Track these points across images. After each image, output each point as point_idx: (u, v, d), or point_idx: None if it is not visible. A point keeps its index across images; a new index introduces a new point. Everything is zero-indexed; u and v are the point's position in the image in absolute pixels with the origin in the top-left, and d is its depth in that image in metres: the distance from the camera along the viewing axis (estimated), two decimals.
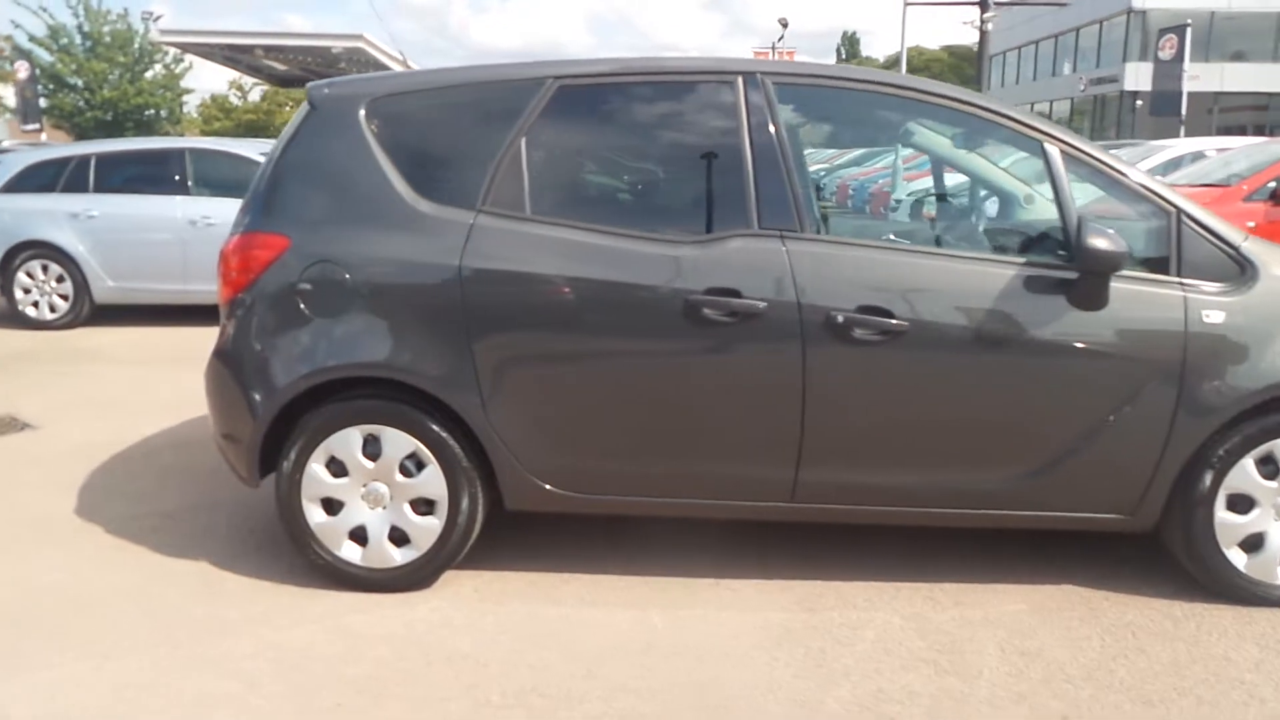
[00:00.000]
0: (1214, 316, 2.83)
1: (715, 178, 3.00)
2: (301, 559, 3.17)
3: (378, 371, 2.96)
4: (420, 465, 3.02)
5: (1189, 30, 22.30)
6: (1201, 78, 25.79)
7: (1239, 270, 2.87)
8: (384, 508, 3.06)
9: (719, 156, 2.99)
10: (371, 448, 3.02)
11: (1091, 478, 2.93)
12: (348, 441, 3.01)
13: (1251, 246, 2.90)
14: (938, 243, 3.28)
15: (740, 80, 2.97)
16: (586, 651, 2.76)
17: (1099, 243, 2.70)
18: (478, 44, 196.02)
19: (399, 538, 3.07)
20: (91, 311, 7.75)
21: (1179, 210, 2.89)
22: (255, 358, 3.04)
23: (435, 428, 2.97)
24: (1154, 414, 2.85)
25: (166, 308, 7.95)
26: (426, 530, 3.05)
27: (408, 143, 3.04)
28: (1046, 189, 2.95)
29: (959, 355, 2.85)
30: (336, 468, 3.05)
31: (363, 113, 3.05)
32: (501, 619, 2.94)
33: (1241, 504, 2.94)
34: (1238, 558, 2.97)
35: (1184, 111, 22.33)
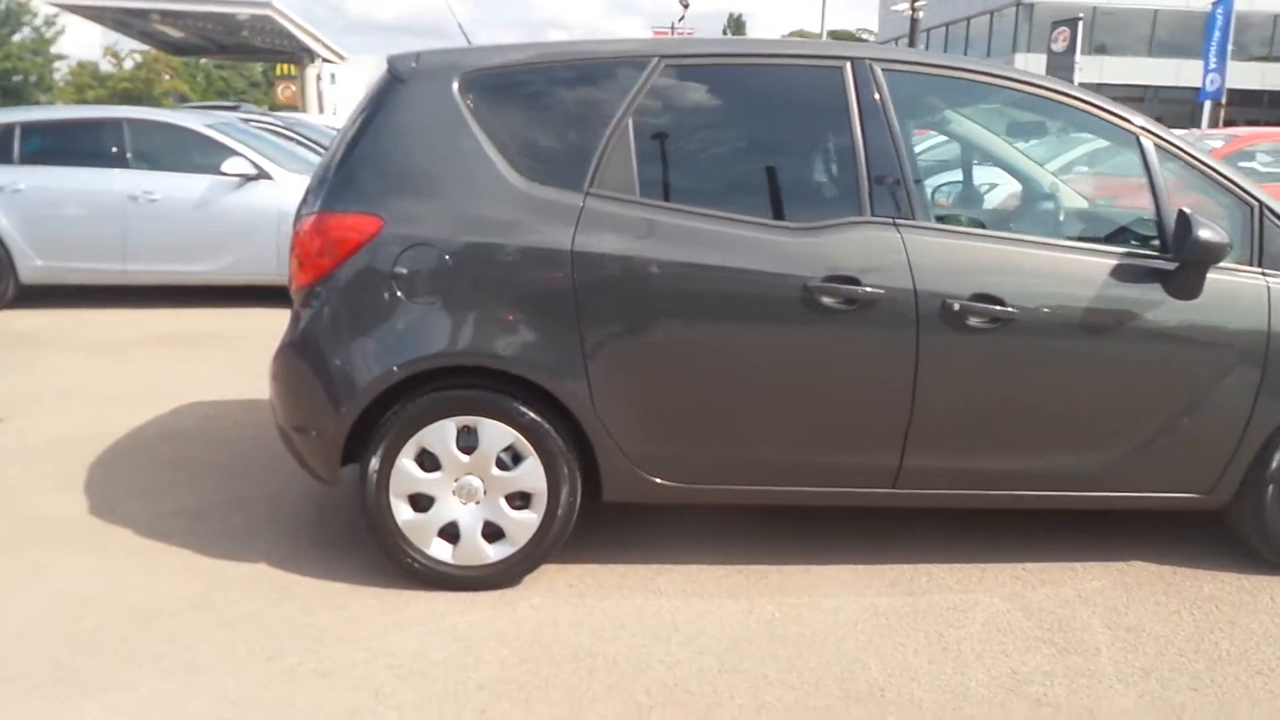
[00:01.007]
0: (1254, 299, 2.96)
1: (826, 164, 2.97)
2: (383, 558, 3.01)
3: (482, 360, 2.82)
4: (516, 458, 2.90)
5: (1080, 23, 23.38)
6: (1085, 70, 27.10)
7: (1219, 255, 2.95)
8: (477, 503, 2.93)
9: (829, 142, 2.96)
10: (465, 440, 2.88)
11: (1178, 459, 3.04)
12: (443, 434, 2.86)
13: (1215, 235, 2.99)
14: (1034, 232, 3.33)
15: (849, 66, 2.94)
16: (714, 644, 2.71)
17: (1207, 235, 2.79)
18: (356, 14, 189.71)
19: (491, 534, 2.95)
20: (17, 293, 7.15)
21: (1260, 203, 3.01)
22: (341, 346, 2.85)
23: (537, 418, 2.85)
24: (1238, 397, 2.98)
25: (97, 289, 7.42)
26: (523, 525, 2.93)
27: (506, 120, 2.89)
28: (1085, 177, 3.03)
29: (1062, 342, 2.91)
30: (428, 462, 2.89)
31: (456, 87, 2.88)
32: (610, 614, 2.86)
33: None
34: None
35: None
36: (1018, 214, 3.33)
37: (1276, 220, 3.00)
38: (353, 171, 2.87)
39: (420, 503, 2.93)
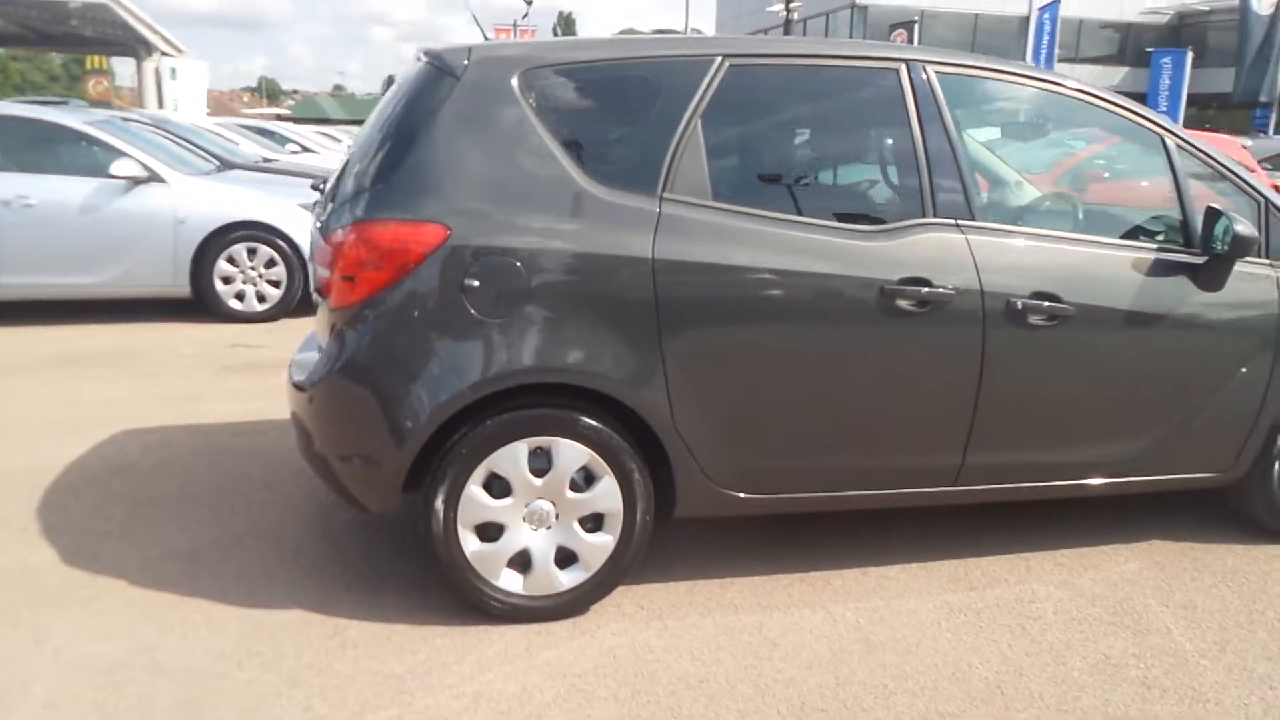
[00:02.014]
0: (1272, 288, 3.19)
1: (888, 165, 2.96)
2: (440, 594, 2.81)
3: (564, 377, 2.65)
4: (589, 478, 2.75)
5: (917, 25, 24.60)
6: None
7: (1247, 249, 3.18)
8: (548, 528, 2.76)
9: (891, 143, 2.95)
10: (536, 462, 2.71)
11: (1204, 441, 3.22)
12: (515, 457, 2.68)
13: (1246, 229, 3.23)
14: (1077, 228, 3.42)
15: (904, 68, 2.94)
16: (817, 658, 2.65)
17: (1242, 230, 2.95)
18: (159, 5, 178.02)
19: (562, 559, 2.79)
20: None
21: (1266, 200, 3.22)
22: (405, 367, 2.61)
23: (613, 436, 2.71)
24: (1255, 380, 3.18)
25: None
26: (599, 548, 2.79)
27: (572, 121, 2.73)
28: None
29: (1111, 335, 3.02)
30: (497, 487, 2.71)
31: (517, 84, 2.70)
32: (697, 634, 2.76)
33: None
34: None
35: None
36: (1060, 213, 3.43)
37: (1217, 212, 3.17)
38: (407, 175, 2.63)
39: (488, 532, 2.73)
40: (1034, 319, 2.91)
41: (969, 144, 2.98)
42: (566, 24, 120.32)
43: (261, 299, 6.94)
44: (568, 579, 2.79)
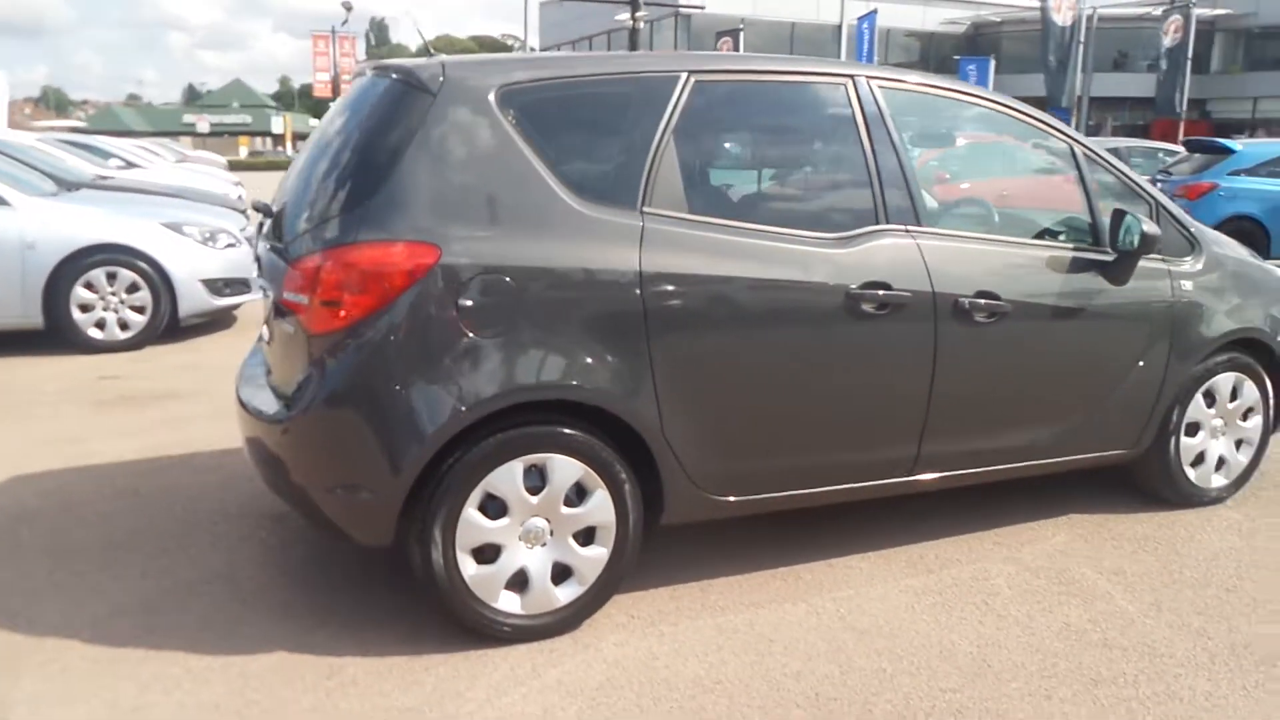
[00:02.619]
0: (1186, 284, 3.58)
1: (844, 175, 3.10)
2: (432, 621, 2.76)
3: (559, 393, 2.65)
4: (581, 492, 2.77)
5: (742, 33, 25.47)
6: None
7: (1190, 247, 3.65)
8: (543, 545, 2.76)
9: (844, 154, 3.10)
10: (530, 479, 2.70)
11: (1116, 421, 3.55)
12: (511, 476, 2.66)
13: (1194, 227, 3.69)
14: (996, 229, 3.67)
15: (850, 83, 3.11)
16: (815, 650, 2.76)
17: (1149, 229, 3.29)
18: None
19: (557, 575, 2.79)
20: None
21: (1156, 201, 3.59)
22: (398, 392, 2.54)
23: (605, 449, 2.74)
24: (1155, 365, 3.54)
25: None
26: (593, 562, 2.80)
27: (551, 137, 2.73)
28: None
29: (1041, 329, 3.29)
30: (494, 508, 2.68)
31: (494, 101, 2.68)
32: (696, 637, 2.82)
33: (1190, 429, 3.76)
34: (1189, 472, 3.79)
35: None
36: (989, 218, 3.68)
37: (1169, 214, 3.58)
38: (390, 195, 2.56)
39: (485, 554, 2.70)
40: (978, 316, 3.14)
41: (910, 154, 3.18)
42: (380, 30, 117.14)
43: (124, 326, 6.48)
44: (564, 595, 2.79)
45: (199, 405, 5.21)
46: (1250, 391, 3.84)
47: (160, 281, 6.49)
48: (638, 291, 2.70)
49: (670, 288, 2.74)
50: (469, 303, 2.55)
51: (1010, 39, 37.86)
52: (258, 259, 3.21)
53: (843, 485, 3.15)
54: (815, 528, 3.54)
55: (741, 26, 25.98)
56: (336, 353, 2.56)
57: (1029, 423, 3.39)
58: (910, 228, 3.08)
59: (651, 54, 2.96)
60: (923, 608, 3.03)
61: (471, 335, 2.56)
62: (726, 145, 3.02)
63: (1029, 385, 3.34)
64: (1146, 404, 3.58)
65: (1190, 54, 22.16)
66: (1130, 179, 3.58)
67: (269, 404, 2.85)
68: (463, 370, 2.56)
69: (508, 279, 2.58)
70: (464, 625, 2.73)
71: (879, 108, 3.11)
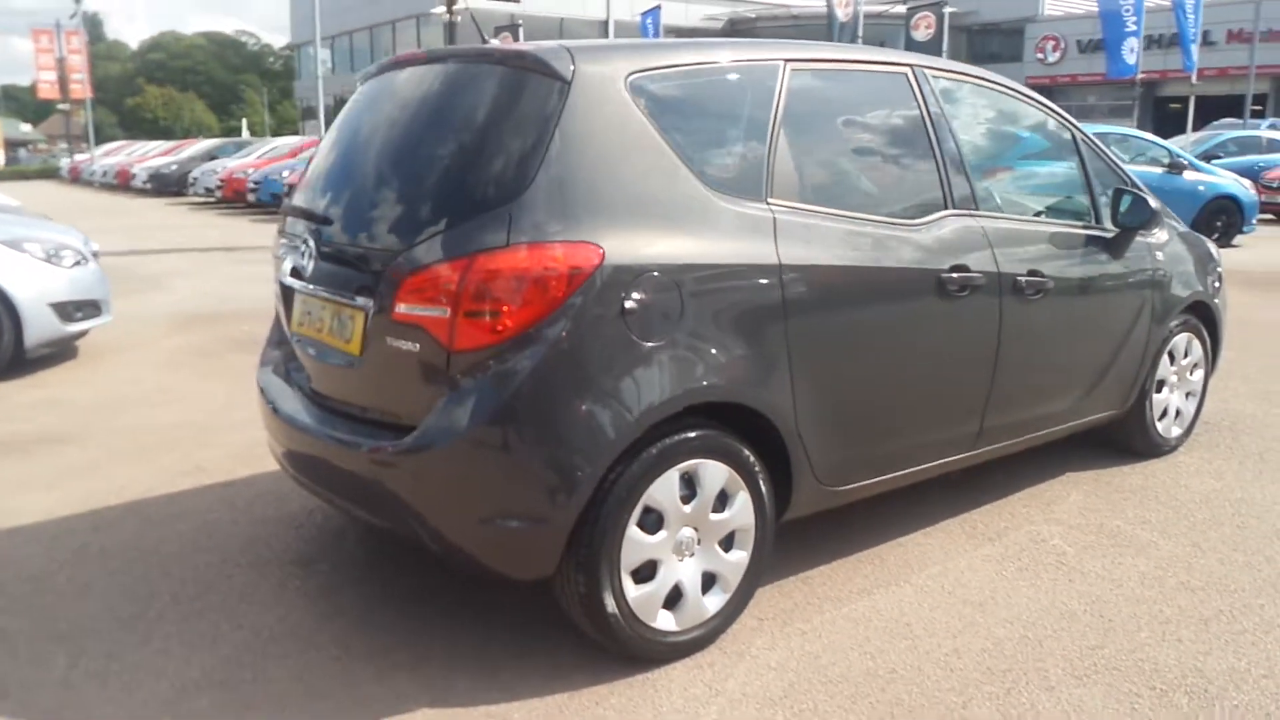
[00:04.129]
0: (1160, 255, 3.95)
1: (914, 161, 3.15)
2: (583, 652, 2.57)
3: (721, 395, 2.53)
4: (723, 496, 2.67)
5: (521, 30, 25.24)
6: None
7: (1155, 222, 4.01)
8: (692, 555, 2.64)
9: (912, 140, 3.15)
10: (682, 488, 2.57)
11: (1117, 382, 3.87)
12: (669, 486, 2.52)
13: (1155, 203, 4.05)
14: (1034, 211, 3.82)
15: (911, 71, 3.18)
16: (954, 628, 2.81)
17: (1155, 204, 3.59)
18: None
19: (705, 585, 2.68)
20: None
21: (1130, 181, 3.93)
22: (566, 409, 2.33)
23: (746, 449, 2.65)
24: (1143, 327, 3.89)
25: None
26: (736, 566, 2.71)
27: (679, 127, 2.59)
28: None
29: (1069, 301, 3.52)
30: (650, 522, 2.52)
31: (626, 89, 2.51)
32: (834, 631, 2.79)
33: (1158, 387, 4.16)
34: (1158, 425, 4.20)
35: None
36: (1017, 199, 3.84)
37: (1143, 194, 3.90)
38: (539, 191, 2.34)
39: (641, 572, 2.54)
40: (1030, 293, 3.31)
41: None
42: (93, 24, 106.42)
43: None
44: (712, 604, 2.68)
45: (93, 449, 4.53)
46: (1196, 348, 4.30)
47: (1, 307, 5.58)
48: (779, 284, 2.63)
49: (802, 278, 2.69)
50: (633, 305, 2.38)
51: (765, 33, 40.02)
52: (295, 269, 2.85)
53: (925, 465, 3.23)
54: (864, 512, 3.59)
55: (520, 23, 25.78)
56: (488, 370, 2.31)
57: (1058, 391, 3.63)
58: (973, 212, 3.20)
59: (746, 41, 2.87)
60: (1010, 574, 3.16)
61: (637, 339, 2.40)
62: (825, 133, 2.98)
63: (1060, 355, 3.57)
64: (1134, 366, 3.93)
65: (945, 49, 24.33)
66: (1113, 161, 3.89)
67: (363, 432, 2.54)
68: (632, 378, 2.39)
69: (667, 278, 2.44)
70: (623, 653, 2.56)
71: (936, 96, 3.20)
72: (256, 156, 21.75)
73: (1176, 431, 4.31)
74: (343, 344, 2.66)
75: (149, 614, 2.92)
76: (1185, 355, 4.25)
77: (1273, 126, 22.37)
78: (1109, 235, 3.71)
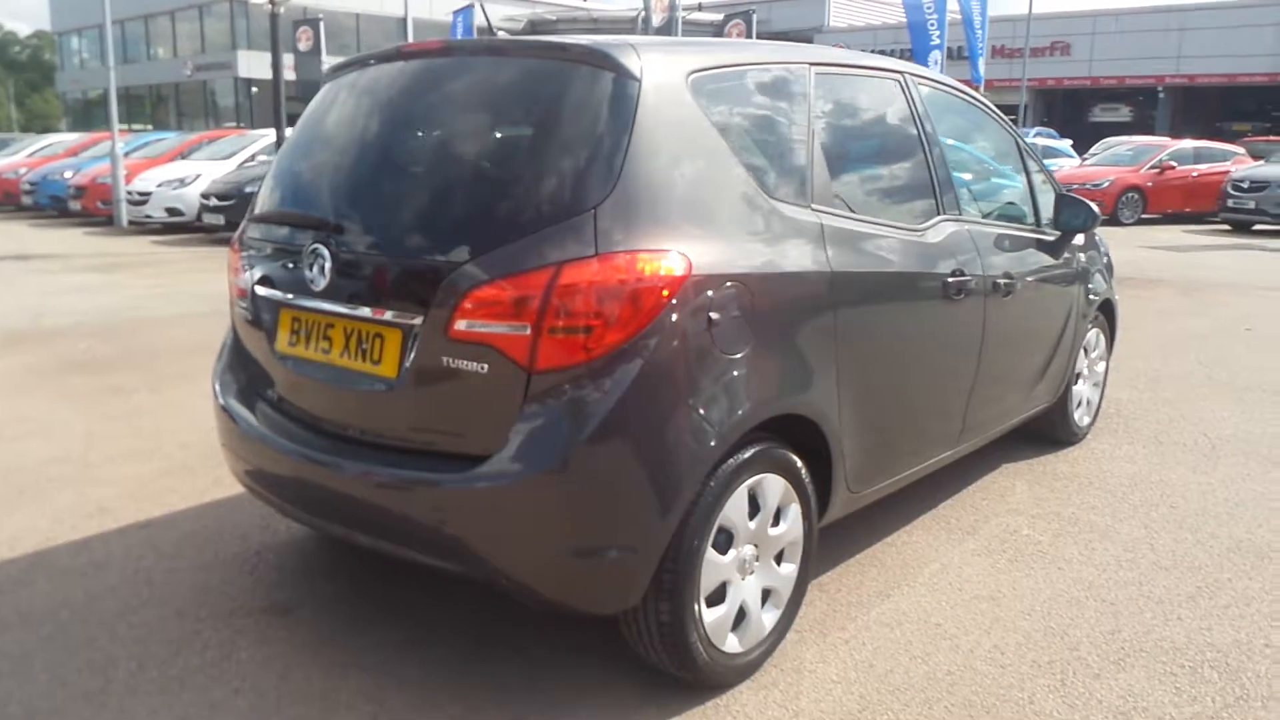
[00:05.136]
0: (1082, 256, 4.24)
1: (913, 166, 3.18)
2: (641, 681, 2.45)
3: (790, 407, 2.46)
4: (778, 510, 2.60)
5: (322, 23, 24.01)
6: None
7: (1095, 225, 4.24)
8: (752, 573, 2.55)
9: (908, 146, 3.19)
10: (749, 504, 2.48)
11: (1055, 376, 4.11)
12: (739, 504, 2.42)
13: (1095, 209, 4.28)
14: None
15: (902, 79, 3.22)
16: (981, 625, 2.87)
17: (1092, 207, 3.84)
18: None
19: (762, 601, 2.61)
20: None
21: (1058, 184, 4.18)
22: (658, 431, 2.18)
23: (798, 461, 2.60)
24: (1072, 323, 4.16)
25: None
26: (787, 580, 2.66)
27: (736, 128, 2.49)
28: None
29: (1028, 300, 3.70)
30: (723, 542, 2.42)
31: (688, 90, 2.38)
32: (875, 637, 2.78)
33: (1075, 379, 4.46)
34: (1076, 415, 4.50)
35: None
36: (980, 204, 3.95)
37: (1085, 200, 4.15)
38: (623, 198, 2.17)
39: (714, 595, 2.43)
40: (1003, 294, 3.45)
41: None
42: None
43: None
44: (769, 620, 2.61)
45: None
46: (1101, 342, 4.65)
47: None
48: (831, 294, 2.60)
49: (848, 284, 2.67)
50: (718, 317, 2.26)
51: (565, 35, 40.09)
52: (278, 282, 2.55)
53: (923, 464, 3.30)
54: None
55: (322, 16, 24.51)
56: (576, 392, 2.12)
57: (1017, 386, 3.81)
58: (958, 217, 3.29)
59: (771, 43, 2.81)
60: (1004, 566, 3.28)
61: (720, 352, 2.28)
62: (842, 138, 2.96)
63: (1020, 353, 3.75)
64: (1065, 360, 4.19)
65: None
66: (1045, 168, 4.13)
67: (406, 464, 2.29)
68: (718, 393, 2.28)
69: (742, 287, 2.34)
70: (697, 681, 2.44)
71: (924, 104, 3.27)
72: (27, 154, 19.49)
73: (1087, 420, 4.64)
74: (368, 367, 2.38)
75: (115, 685, 2.51)
76: (1094, 349, 4.58)
77: (1039, 135, 24.80)
78: (1051, 238, 3.93)
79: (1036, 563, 3.31)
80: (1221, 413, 5.16)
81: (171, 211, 14.04)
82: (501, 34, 3.64)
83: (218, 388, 2.93)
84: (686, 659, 2.36)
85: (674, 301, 2.18)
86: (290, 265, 2.59)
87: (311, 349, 2.54)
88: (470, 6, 22.53)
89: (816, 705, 2.46)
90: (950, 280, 3.11)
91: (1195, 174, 18.10)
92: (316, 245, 2.44)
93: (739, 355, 2.33)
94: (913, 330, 3.02)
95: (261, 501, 2.91)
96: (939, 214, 3.20)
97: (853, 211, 2.82)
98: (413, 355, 2.27)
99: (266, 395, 2.76)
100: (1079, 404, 4.51)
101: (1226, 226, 16.96)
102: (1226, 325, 7.86)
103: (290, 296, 2.58)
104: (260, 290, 2.69)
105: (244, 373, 2.89)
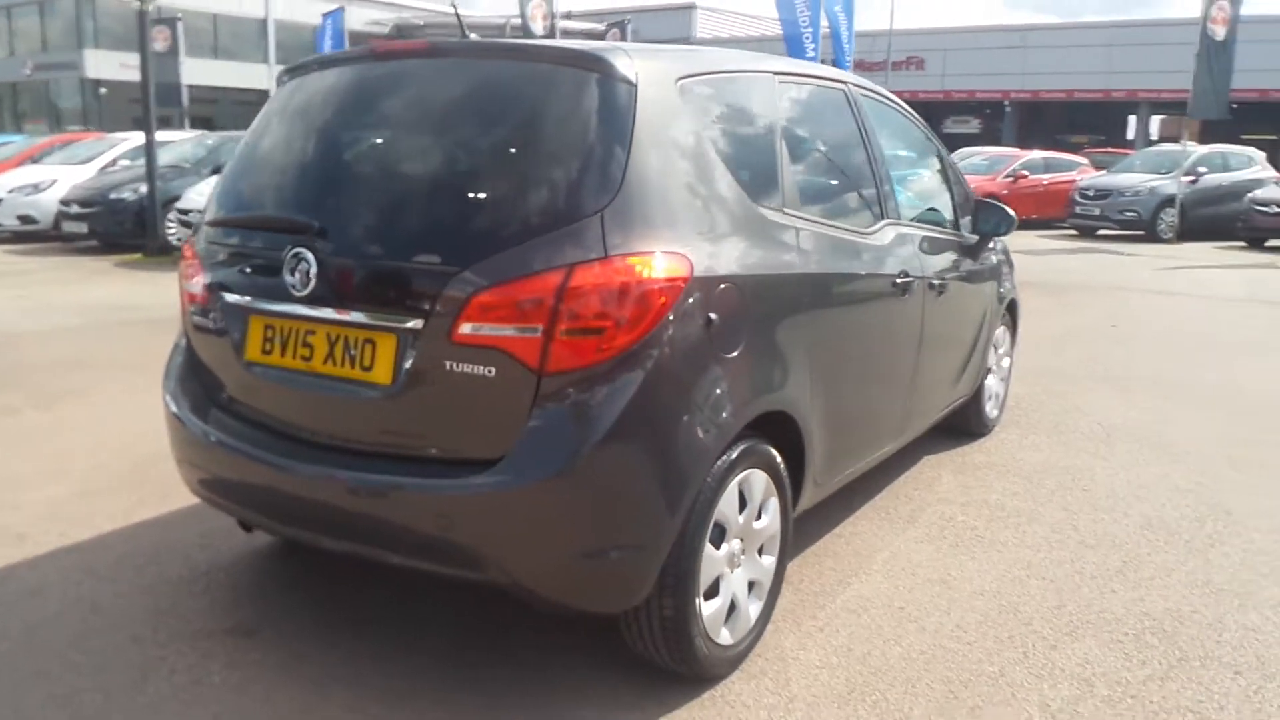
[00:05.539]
0: (993, 258, 4.51)
1: (860, 172, 3.32)
2: (642, 679, 2.50)
3: (772, 405, 2.54)
4: (759, 505, 2.69)
5: (180, 23, 22.95)
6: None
7: (1011, 230, 4.53)
8: (739, 566, 2.62)
9: (857, 153, 3.33)
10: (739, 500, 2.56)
11: (974, 371, 4.35)
12: (732, 500, 2.49)
13: (1012, 214, 4.54)
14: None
15: (847, 88, 3.37)
16: (939, 608, 3.03)
17: (1010, 213, 4.09)
18: None
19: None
20: None
21: (970, 191, 4.44)
22: (664, 429, 2.22)
23: (778, 457, 2.69)
24: (989, 321, 4.42)
25: None
26: (768, 571, 2.74)
27: (718, 133, 2.56)
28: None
29: (954, 298, 3.92)
30: (717, 537, 2.48)
31: (677, 94, 2.44)
32: (845, 624, 2.90)
33: (987, 373, 4.74)
34: (987, 407, 4.78)
35: (185, 101, 23.10)
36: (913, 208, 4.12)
37: (1004, 206, 4.40)
38: (628, 199, 2.20)
39: (710, 589, 2.49)
40: (937, 292, 3.65)
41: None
42: None
43: None
44: (754, 611, 2.69)
45: None
46: (1006, 339, 4.96)
47: None
48: (809, 294, 2.71)
49: (817, 285, 2.79)
50: (716, 317, 2.33)
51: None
52: (248, 288, 2.48)
53: (872, 455, 3.45)
54: None
55: (180, 16, 23.39)
56: (587, 392, 2.14)
57: (944, 381, 4.02)
58: (897, 221, 3.47)
59: (738, 51, 2.90)
60: (947, 551, 3.46)
61: (717, 352, 2.35)
62: (803, 145, 3.07)
63: (948, 349, 3.97)
64: (981, 355, 4.45)
65: None
66: (961, 175, 4.38)
67: (403, 471, 2.26)
68: (716, 392, 2.35)
69: (734, 288, 2.41)
70: (694, 673, 2.50)
71: (866, 113, 3.43)
72: None
73: (995, 413, 4.94)
74: (356, 373, 2.34)
75: (83, 718, 2.37)
76: (1001, 345, 4.88)
77: None
78: (970, 241, 4.18)
79: (976, 547, 3.51)
80: (1107, 403, 5.57)
81: (24, 219, 13.10)
82: (473, 36, 3.57)
83: (170, 400, 2.81)
84: (688, 653, 2.41)
85: (678, 303, 2.23)
86: (261, 270, 2.52)
87: (288, 356, 2.47)
88: (340, 9, 21.95)
89: (808, 690, 2.55)
90: (898, 280, 3.27)
91: (1046, 182, 19.33)
92: (298, 250, 2.38)
93: (734, 354, 2.40)
94: (869, 328, 3.17)
95: (224, 512, 2.82)
96: (883, 218, 3.36)
97: (816, 216, 2.93)
98: (410, 360, 2.24)
99: (230, 405, 2.66)
100: (990, 397, 4.79)
101: (1074, 231, 18.20)
102: (1093, 323, 8.46)
103: (262, 303, 2.50)
104: (226, 297, 2.59)
105: (200, 382, 2.77)
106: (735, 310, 2.41)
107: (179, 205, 11.14)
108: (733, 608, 2.58)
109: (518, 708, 2.43)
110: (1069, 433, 4.95)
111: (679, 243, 2.28)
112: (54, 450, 4.42)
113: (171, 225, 11.55)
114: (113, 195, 11.82)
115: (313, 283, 2.35)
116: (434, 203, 2.32)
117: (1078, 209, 17.68)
